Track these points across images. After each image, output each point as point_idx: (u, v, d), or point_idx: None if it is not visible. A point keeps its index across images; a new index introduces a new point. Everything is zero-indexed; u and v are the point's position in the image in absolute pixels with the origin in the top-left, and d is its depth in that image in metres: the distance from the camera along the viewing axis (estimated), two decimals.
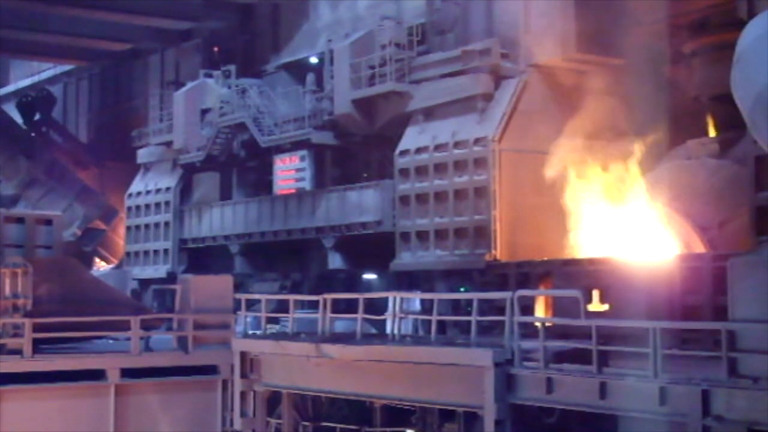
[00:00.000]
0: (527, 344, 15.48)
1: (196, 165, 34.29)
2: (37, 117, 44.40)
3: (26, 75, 47.36)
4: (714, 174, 21.13)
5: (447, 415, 17.66)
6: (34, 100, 44.67)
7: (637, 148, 21.69)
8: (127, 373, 19.90)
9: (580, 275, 19.60)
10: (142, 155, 37.43)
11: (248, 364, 20.33)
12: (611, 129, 22.49)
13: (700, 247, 20.09)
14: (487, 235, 23.58)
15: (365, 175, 29.61)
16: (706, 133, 23.18)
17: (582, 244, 22.01)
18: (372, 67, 27.47)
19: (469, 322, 16.96)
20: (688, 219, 20.30)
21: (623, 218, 21.09)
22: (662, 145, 22.13)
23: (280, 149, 30.89)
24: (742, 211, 19.28)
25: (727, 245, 19.61)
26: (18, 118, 44.13)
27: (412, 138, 26.03)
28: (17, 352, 19.27)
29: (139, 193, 36.90)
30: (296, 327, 20.90)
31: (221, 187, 34.47)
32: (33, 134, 43.50)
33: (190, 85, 34.87)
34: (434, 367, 16.52)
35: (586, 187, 22.03)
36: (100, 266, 40.67)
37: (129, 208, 37.21)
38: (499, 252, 23.40)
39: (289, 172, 30.90)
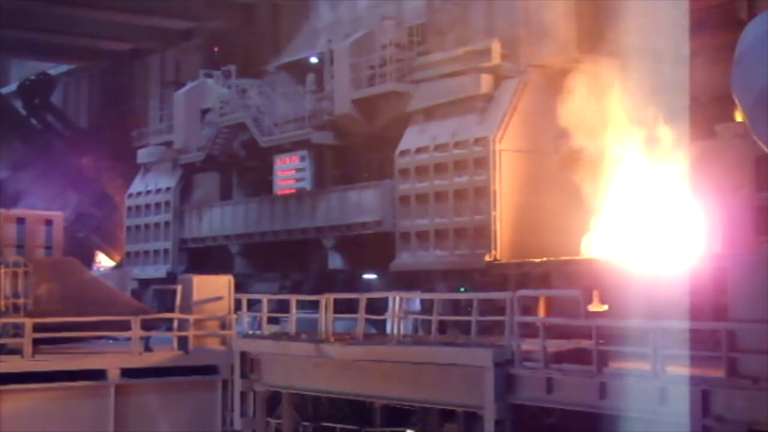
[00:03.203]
0: (527, 344, 15.49)
1: (196, 165, 34.29)
2: (36, 101, 44.40)
3: (26, 75, 47.27)
4: (735, 149, 21.16)
5: (447, 415, 17.68)
6: (33, 84, 44.64)
7: (662, 135, 21.67)
8: (127, 373, 19.88)
9: (580, 275, 19.60)
10: (142, 155, 37.40)
11: (248, 364, 20.33)
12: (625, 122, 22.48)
13: (715, 205, 20.14)
14: (487, 235, 23.56)
15: (365, 175, 29.60)
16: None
17: (598, 233, 22.08)
18: (372, 67, 27.47)
19: (470, 322, 16.96)
20: (707, 181, 20.42)
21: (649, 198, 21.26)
22: (683, 135, 22.04)
23: (280, 149, 30.89)
24: (756, 177, 19.40)
25: (738, 204, 19.71)
26: (20, 104, 44.16)
27: (412, 138, 26.02)
28: (17, 352, 19.27)
29: (139, 193, 36.88)
30: (296, 327, 20.90)
31: (221, 187, 34.47)
32: (31, 118, 43.51)
33: (190, 85, 34.86)
34: (434, 367, 16.52)
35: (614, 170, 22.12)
36: (101, 266, 40.67)
37: (129, 208, 37.18)
38: (499, 252, 23.39)
39: (289, 172, 30.90)
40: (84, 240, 40.03)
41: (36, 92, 44.29)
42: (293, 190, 30.62)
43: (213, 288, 21.45)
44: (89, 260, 38.54)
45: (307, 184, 30.31)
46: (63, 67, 45.34)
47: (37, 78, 44.76)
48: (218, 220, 33.39)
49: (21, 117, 43.13)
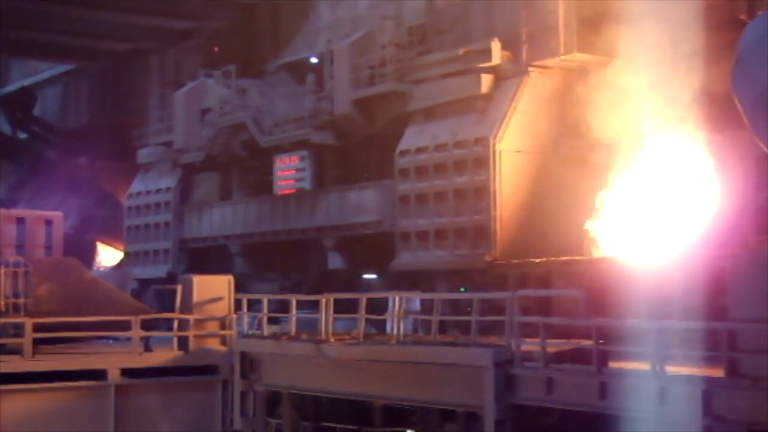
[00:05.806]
0: (527, 344, 15.47)
1: (196, 165, 34.32)
2: (19, 116, 44.51)
3: (26, 75, 47.32)
4: (738, 146, 21.18)
5: (447, 415, 17.66)
6: (13, 100, 44.76)
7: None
8: (128, 373, 19.89)
9: (580, 275, 19.59)
10: (142, 155, 37.43)
11: (248, 364, 20.33)
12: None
13: (734, 169, 20.09)
14: (487, 235, 23.57)
15: (365, 175, 29.61)
16: None
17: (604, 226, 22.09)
18: (372, 67, 27.47)
19: (470, 322, 16.96)
20: (731, 147, 20.39)
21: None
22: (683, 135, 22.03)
23: (280, 149, 30.90)
24: (756, 177, 19.38)
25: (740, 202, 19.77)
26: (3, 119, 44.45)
27: (412, 138, 26.03)
28: (17, 352, 19.27)
29: (139, 193, 36.90)
30: (296, 327, 20.89)
31: (221, 187, 34.51)
32: (16, 134, 43.68)
33: (190, 85, 34.88)
34: (434, 367, 16.52)
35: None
36: (101, 266, 40.71)
37: (129, 208, 37.21)
38: (499, 252, 23.39)
39: (289, 172, 30.92)
40: (93, 241, 40.17)
41: (17, 107, 44.45)
42: (293, 190, 30.63)
43: (213, 288, 21.44)
44: (92, 251, 38.74)
45: (307, 184, 30.32)
46: (43, 76, 45.51)
47: (17, 93, 44.92)
48: (218, 220, 33.41)
49: (7, 138, 43.40)
